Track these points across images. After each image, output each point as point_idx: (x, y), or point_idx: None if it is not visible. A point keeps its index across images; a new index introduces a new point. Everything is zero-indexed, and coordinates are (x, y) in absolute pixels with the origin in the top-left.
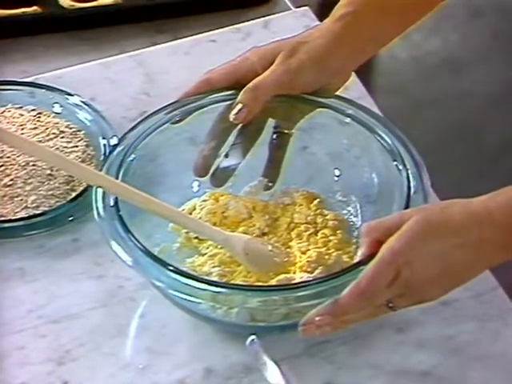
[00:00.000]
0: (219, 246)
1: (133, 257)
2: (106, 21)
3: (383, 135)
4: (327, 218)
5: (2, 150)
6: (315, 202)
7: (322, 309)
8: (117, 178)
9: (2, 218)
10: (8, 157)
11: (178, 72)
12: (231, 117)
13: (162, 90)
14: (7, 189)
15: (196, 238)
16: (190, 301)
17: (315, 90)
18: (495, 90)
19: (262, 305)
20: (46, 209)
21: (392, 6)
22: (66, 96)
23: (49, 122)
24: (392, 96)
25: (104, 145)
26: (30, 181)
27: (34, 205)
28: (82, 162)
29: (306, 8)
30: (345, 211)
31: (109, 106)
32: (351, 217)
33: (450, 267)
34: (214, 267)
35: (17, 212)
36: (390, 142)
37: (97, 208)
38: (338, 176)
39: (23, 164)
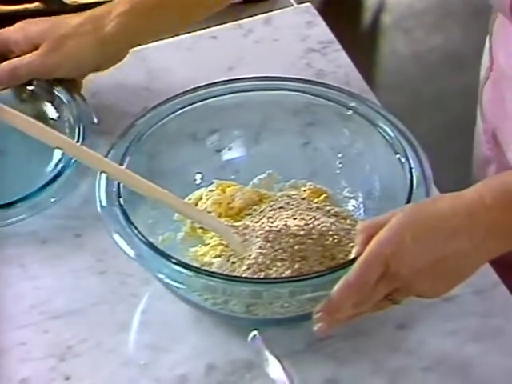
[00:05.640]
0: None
1: (135, 249)
2: None
3: (385, 128)
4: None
5: None
6: (321, 197)
7: (318, 306)
8: None
9: None
10: None
11: (179, 68)
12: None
13: (164, 86)
14: None
15: (201, 227)
16: (190, 292)
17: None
18: None
19: (258, 297)
20: (26, 193)
21: (169, 3)
22: None
23: None
24: (393, 92)
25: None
26: None
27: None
28: None
29: (308, 4)
30: (350, 206)
31: (111, 101)
32: (356, 212)
33: (442, 258)
34: (214, 257)
35: None
36: (392, 135)
37: (99, 198)
38: (341, 170)
39: None
